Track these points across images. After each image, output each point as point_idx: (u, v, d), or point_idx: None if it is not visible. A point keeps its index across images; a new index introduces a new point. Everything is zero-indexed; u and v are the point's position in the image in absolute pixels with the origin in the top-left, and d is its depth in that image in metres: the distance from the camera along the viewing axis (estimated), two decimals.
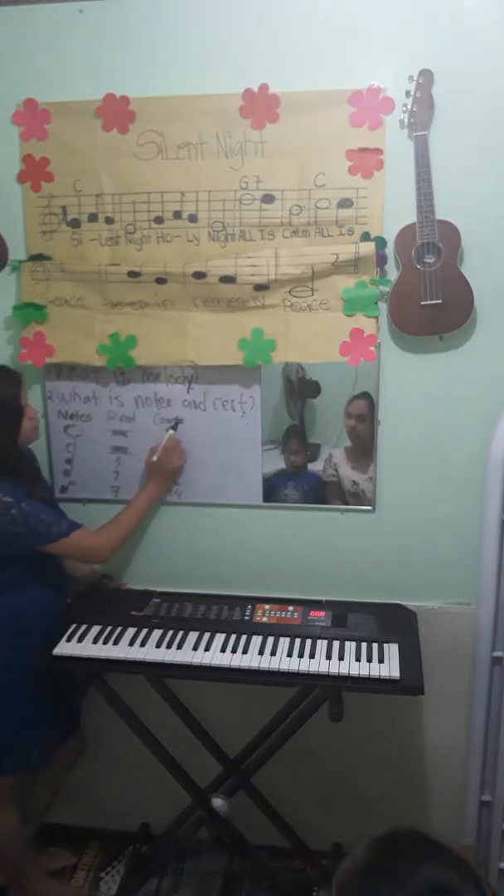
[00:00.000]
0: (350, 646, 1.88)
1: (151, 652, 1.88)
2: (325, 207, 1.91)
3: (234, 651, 1.87)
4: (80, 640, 1.93)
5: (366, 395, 2.01)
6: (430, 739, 2.23)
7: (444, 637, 2.09)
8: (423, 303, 1.88)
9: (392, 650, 1.86)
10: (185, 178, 1.96)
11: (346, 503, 2.10)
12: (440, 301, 1.87)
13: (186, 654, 1.87)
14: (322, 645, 1.89)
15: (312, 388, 2.04)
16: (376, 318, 1.94)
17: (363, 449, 2.05)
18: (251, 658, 1.85)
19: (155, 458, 2.09)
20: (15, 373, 1.92)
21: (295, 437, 2.08)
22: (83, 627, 1.98)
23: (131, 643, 1.92)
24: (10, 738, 2.00)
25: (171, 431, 2.11)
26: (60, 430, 2.20)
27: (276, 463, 2.11)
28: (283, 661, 1.83)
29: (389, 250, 1.91)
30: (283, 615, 2.02)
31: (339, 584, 2.14)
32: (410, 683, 1.76)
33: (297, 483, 2.12)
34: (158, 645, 1.91)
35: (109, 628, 1.97)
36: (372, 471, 2.06)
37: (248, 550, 2.19)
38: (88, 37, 1.93)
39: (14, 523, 1.84)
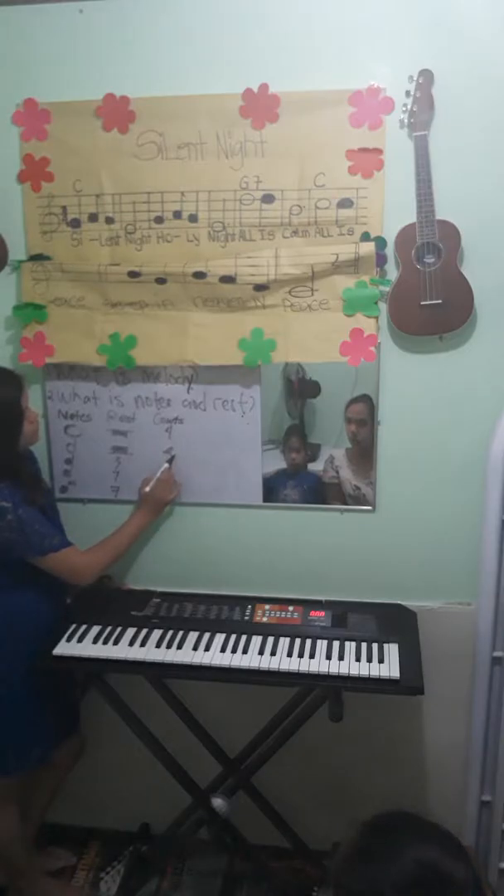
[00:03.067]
0: (350, 646, 1.88)
1: (151, 652, 1.88)
2: (325, 207, 1.91)
3: (234, 651, 1.87)
4: (80, 640, 1.94)
5: (365, 398, 2.01)
6: (430, 739, 2.23)
7: (444, 637, 2.09)
8: (423, 303, 1.88)
9: (392, 650, 1.86)
10: (185, 178, 1.95)
11: (346, 504, 2.10)
12: (440, 301, 1.87)
13: (186, 654, 1.87)
14: (322, 645, 1.89)
15: (312, 388, 2.04)
16: (376, 318, 1.94)
17: (365, 452, 2.05)
18: (251, 658, 1.85)
19: (148, 488, 2.09)
20: (17, 376, 1.92)
21: (295, 437, 2.08)
22: (83, 627, 1.98)
23: (131, 643, 1.92)
24: (11, 739, 2.00)
25: (166, 465, 2.11)
26: (60, 430, 2.20)
27: (276, 463, 2.11)
28: (283, 661, 1.83)
29: (389, 250, 1.91)
30: (283, 615, 2.02)
31: (339, 584, 2.14)
32: (410, 683, 1.76)
33: (297, 483, 2.12)
34: (158, 645, 1.91)
35: (109, 628, 1.97)
36: (373, 476, 2.06)
37: (248, 550, 2.19)
38: (88, 37, 1.93)
39: (8, 529, 1.83)
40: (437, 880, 0.90)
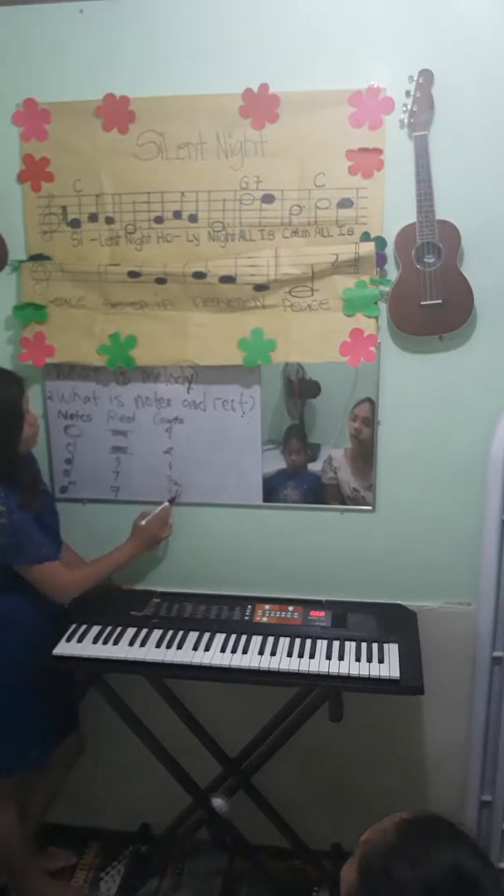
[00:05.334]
0: (350, 646, 1.88)
1: (151, 652, 1.88)
2: (325, 207, 1.91)
3: (234, 651, 1.87)
4: (80, 640, 1.94)
5: (368, 399, 2.01)
6: (430, 739, 2.23)
7: (444, 637, 2.09)
8: (423, 303, 1.88)
9: (392, 650, 1.86)
10: (185, 178, 1.95)
11: (344, 504, 2.10)
12: (440, 301, 1.87)
13: (186, 654, 1.87)
14: (322, 645, 1.89)
15: (312, 388, 2.04)
16: (376, 318, 1.94)
17: (365, 453, 2.05)
18: (251, 658, 1.85)
19: (143, 522, 2.09)
20: (19, 378, 1.91)
21: (295, 437, 2.08)
22: (83, 627, 1.98)
23: (131, 643, 1.92)
24: (9, 739, 2.00)
25: (166, 503, 2.12)
26: (60, 430, 2.20)
27: (277, 463, 2.11)
28: (283, 661, 1.83)
29: (389, 250, 1.91)
30: (283, 615, 2.02)
31: (339, 584, 2.14)
32: (410, 683, 1.76)
33: (297, 483, 2.12)
34: (158, 645, 1.91)
35: (109, 628, 1.97)
36: (372, 478, 2.06)
37: (248, 550, 2.19)
38: (88, 37, 1.93)
39: (2, 532, 1.83)
40: (463, 890, 0.91)
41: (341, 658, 1.84)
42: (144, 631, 1.96)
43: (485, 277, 1.88)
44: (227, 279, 1.95)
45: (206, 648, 1.89)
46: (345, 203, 1.90)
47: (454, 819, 1.01)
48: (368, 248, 1.89)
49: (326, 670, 1.80)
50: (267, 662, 1.83)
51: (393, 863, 0.94)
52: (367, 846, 0.99)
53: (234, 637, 1.92)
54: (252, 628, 1.96)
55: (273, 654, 1.86)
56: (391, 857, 0.95)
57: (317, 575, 2.16)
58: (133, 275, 2.00)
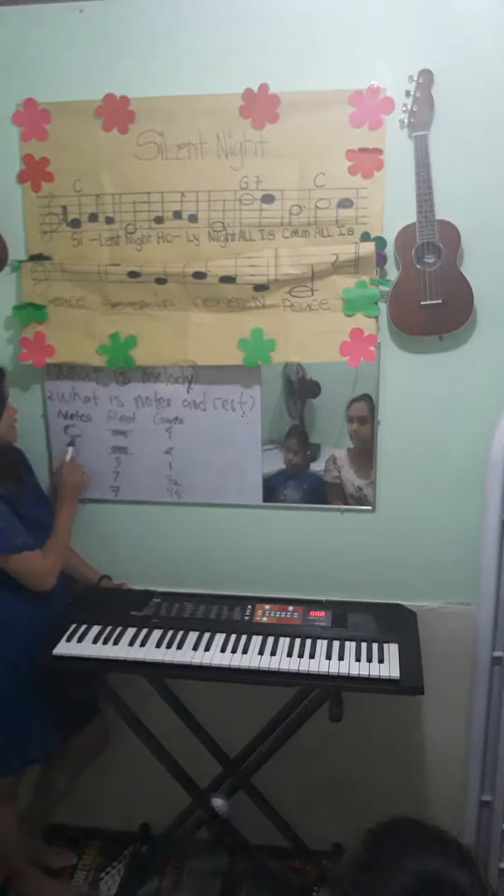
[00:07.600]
0: (350, 646, 1.88)
1: (151, 652, 1.88)
2: (325, 207, 1.91)
3: (234, 651, 1.87)
4: (80, 640, 1.93)
5: (366, 397, 2.02)
6: (430, 739, 2.23)
7: (444, 637, 2.09)
8: (423, 303, 1.88)
9: (392, 650, 1.86)
10: (185, 178, 1.96)
11: (347, 503, 2.10)
12: (440, 301, 1.87)
13: (186, 654, 1.87)
14: (322, 645, 1.89)
15: (312, 388, 2.04)
16: (376, 318, 1.94)
17: (366, 452, 2.05)
18: (251, 658, 1.85)
19: (60, 478, 2.11)
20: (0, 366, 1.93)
21: (295, 437, 2.09)
22: (83, 627, 1.98)
23: (131, 643, 1.92)
24: (5, 740, 2.00)
25: (69, 448, 2.15)
26: (60, 430, 2.20)
27: (277, 463, 2.11)
28: (283, 661, 1.83)
29: (389, 250, 1.91)
30: (283, 615, 2.02)
31: (339, 584, 2.14)
32: (410, 683, 1.76)
33: (298, 483, 2.12)
34: (158, 645, 1.91)
35: (109, 628, 1.97)
36: (373, 476, 2.06)
37: (248, 550, 2.19)
38: (88, 37, 1.93)
39: None
40: (438, 893, 0.90)
41: (341, 658, 1.84)
42: (144, 631, 1.96)
43: (485, 277, 1.88)
44: (227, 279, 1.95)
45: (206, 648, 1.89)
46: (345, 203, 1.90)
47: (425, 817, 1.00)
48: (368, 248, 1.89)
49: (326, 670, 1.80)
50: (267, 662, 1.83)
51: (360, 878, 0.93)
52: (338, 865, 0.98)
53: (234, 637, 1.92)
54: (252, 628, 1.96)
55: (273, 654, 1.86)
56: (358, 872, 0.94)
57: (317, 575, 2.16)
58: (133, 275, 2.00)
